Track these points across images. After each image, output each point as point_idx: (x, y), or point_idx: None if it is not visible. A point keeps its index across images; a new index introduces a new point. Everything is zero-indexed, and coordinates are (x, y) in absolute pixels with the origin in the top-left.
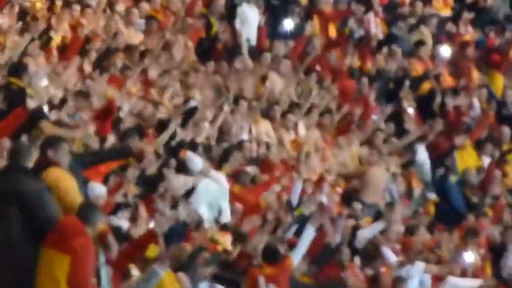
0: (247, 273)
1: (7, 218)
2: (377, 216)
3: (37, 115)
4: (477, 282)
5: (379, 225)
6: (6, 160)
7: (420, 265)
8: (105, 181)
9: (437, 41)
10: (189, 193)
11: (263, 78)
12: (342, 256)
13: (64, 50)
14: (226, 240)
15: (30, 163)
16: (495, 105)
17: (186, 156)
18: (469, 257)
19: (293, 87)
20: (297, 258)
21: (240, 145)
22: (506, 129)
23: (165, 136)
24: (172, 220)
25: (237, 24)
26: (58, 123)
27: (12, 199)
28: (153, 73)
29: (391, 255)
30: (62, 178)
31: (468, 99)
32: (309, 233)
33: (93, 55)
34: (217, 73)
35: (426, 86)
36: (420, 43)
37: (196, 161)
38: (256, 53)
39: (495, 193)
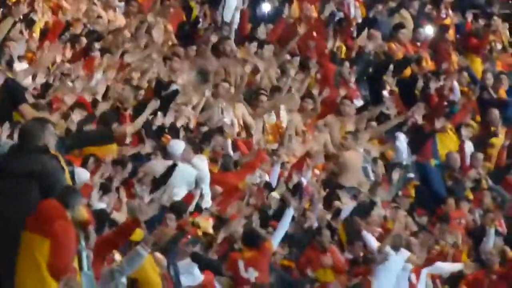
0: (227, 257)
1: (26, 194)
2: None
3: (18, 98)
4: (459, 265)
5: (353, 205)
6: (18, 140)
7: (404, 253)
8: (83, 163)
9: (417, 24)
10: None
11: (246, 63)
12: (323, 238)
13: (45, 34)
14: (207, 224)
15: (43, 142)
16: (477, 89)
17: (168, 141)
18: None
19: (273, 70)
20: (276, 241)
21: (220, 129)
22: (495, 112)
23: (142, 118)
24: (155, 207)
25: (219, 8)
26: (37, 106)
27: (32, 178)
28: (132, 56)
29: (371, 240)
30: None
31: (449, 82)
32: (288, 216)
33: (83, 41)
34: (198, 57)
35: (407, 70)
36: (400, 26)
37: (177, 145)
38: (238, 37)
39: (476, 177)
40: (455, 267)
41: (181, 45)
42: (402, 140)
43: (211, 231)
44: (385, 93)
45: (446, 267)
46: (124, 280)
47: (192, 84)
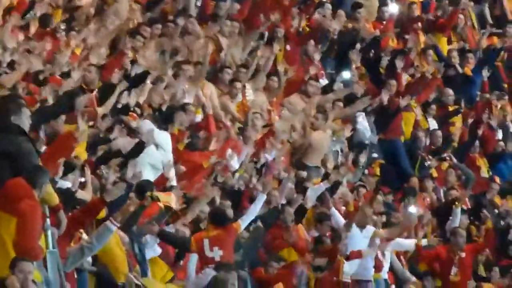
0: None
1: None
2: (324, 178)
3: None
4: (422, 242)
5: (325, 185)
6: None
7: (369, 230)
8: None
9: (383, 2)
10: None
11: (211, 41)
12: (286, 216)
13: (9, 12)
14: (169, 199)
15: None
16: (442, 67)
17: (134, 119)
18: (413, 209)
19: (239, 49)
20: (244, 223)
21: (184, 108)
22: (450, 91)
23: (111, 100)
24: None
25: None
26: None
27: (6, 158)
28: (97, 36)
29: (339, 217)
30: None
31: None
32: (260, 201)
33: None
34: (163, 35)
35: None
36: (357, 5)
37: (145, 124)
38: (202, 15)
39: (441, 155)
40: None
41: (146, 24)
42: (361, 121)
43: (173, 205)
44: (345, 74)
45: (407, 244)
46: (89, 258)
47: (155, 63)
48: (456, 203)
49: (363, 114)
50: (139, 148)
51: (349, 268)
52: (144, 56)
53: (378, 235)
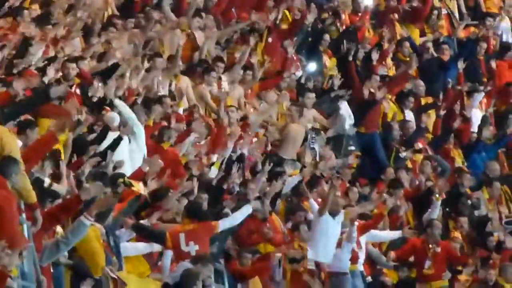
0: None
1: None
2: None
3: None
4: (397, 233)
5: (298, 178)
6: None
7: (341, 214)
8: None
9: None
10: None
11: (186, 33)
12: (264, 208)
13: None
14: (139, 186)
15: None
16: (415, 58)
17: (107, 112)
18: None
19: (214, 42)
20: (224, 225)
21: (160, 100)
22: (421, 82)
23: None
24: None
25: None
26: None
27: None
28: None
29: (315, 206)
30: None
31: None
32: (245, 211)
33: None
34: (136, 28)
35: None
36: None
37: (117, 117)
38: (176, 6)
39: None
40: (392, 235)
41: (120, 16)
42: (344, 108)
43: (143, 192)
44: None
45: (383, 235)
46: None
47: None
48: (437, 195)
49: (345, 101)
50: (117, 141)
51: (313, 255)
52: (118, 48)
53: (349, 215)
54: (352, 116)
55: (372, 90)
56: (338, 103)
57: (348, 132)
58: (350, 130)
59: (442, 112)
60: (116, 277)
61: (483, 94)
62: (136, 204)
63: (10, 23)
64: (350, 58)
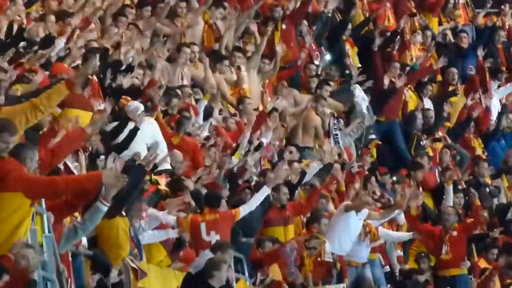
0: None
1: None
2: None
3: None
4: (407, 235)
5: (318, 166)
6: None
7: (365, 212)
8: None
9: None
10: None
11: (206, 22)
12: (281, 196)
13: None
14: (162, 182)
15: None
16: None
17: (127, 102)
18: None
19: (233, 31)
20: (245, 211)
21: (176, 92)
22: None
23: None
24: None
25: None
26: None
27: None
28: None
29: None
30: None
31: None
32: (263, 193)
33: None
34: (154, 18)
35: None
36: None
37: (137, 105)
38: None
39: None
40: (403, 235)
41: (137, 5)
42: (358, 93)
43: (164, 187)
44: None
45: (394, 235)
46: (85, 241)
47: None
48: (448, 181)
49: (359, 86)
50: (132, 134)
51: (331, 248)
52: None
53: (372, 218)
54: (366, 97)
55: (393, 79)
56: (353, 91)
57: (366, 121)
58: (368, 118)
59: (470, 102)
60: (136, 267)
61: (500, 82)
62: (156, 197)
63: None
64: (376, 48)
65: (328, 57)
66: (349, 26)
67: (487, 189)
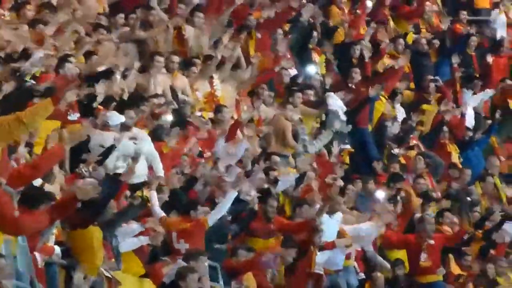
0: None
1: None
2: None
3: None
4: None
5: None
6: None
7: (339, 215)
8: None
9: None
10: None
11: (178, 31)
12: (267, 208)
13: None
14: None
15: None
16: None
17: (103, 112)
18: (381, 194)
19: (206, 39)
20: (213, 218)
21: (145, 98)
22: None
23: None
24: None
25: None
26: None
27: None
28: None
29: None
30: None
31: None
32: (230, 198)
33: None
34: (127, 26)
35: (340, 37)
36: None
37: (114, 116)
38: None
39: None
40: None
41: (111, 14)
42: (333, 101)
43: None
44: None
45: (364, 227)
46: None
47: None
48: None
49: (332, 94)
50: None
51: (321, 259)
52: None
53: (346, 220)
54: (343, 106)
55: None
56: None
57: (340, 129)
58: (342, 127)
59: (443, 108)
60: (110, 276)
61: (473, 90)
62: (139, 210)
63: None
64: (366, 59)
65: (312, 69)
66: (315, 34)
67: (468, 198)
